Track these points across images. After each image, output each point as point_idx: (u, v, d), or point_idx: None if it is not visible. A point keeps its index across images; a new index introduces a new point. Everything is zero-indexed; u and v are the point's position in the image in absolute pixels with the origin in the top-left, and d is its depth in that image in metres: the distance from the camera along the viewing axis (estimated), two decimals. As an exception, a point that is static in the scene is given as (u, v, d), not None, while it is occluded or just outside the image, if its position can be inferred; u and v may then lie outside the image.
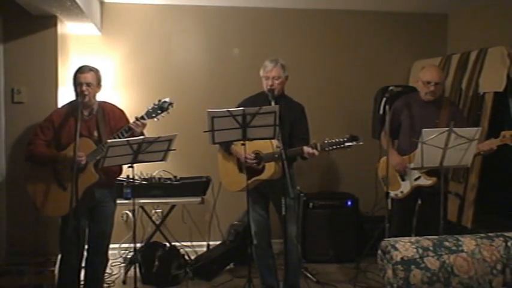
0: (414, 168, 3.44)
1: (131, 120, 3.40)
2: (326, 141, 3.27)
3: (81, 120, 3.23)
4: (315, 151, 3.28)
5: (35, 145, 3.27)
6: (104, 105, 3.45)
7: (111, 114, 3.45)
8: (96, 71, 3.35)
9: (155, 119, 3.35)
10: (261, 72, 3.53)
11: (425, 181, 3.50)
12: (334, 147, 3.25)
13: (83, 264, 3.44)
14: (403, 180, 3.62)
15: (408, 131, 3.59)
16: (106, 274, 4.10)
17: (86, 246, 3.44)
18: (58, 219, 3.39)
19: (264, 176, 3.43)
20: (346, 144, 3.23)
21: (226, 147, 3.56)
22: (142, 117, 3.32)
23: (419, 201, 3.69)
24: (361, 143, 3.24)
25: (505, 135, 3.28)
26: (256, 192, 3.54)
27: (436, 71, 3.60)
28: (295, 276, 3.62)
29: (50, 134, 3.29)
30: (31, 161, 3.31)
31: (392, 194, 3.56)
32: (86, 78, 3.28)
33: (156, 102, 3.35)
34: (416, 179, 3.54)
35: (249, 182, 3.42)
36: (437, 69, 3.67)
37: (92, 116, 3.34)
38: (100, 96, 3.65)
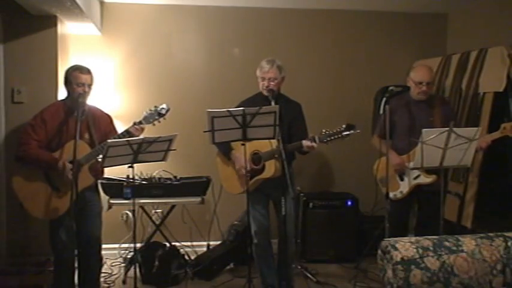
0: (414, 168, 3.44)
1: (116, 125, 3.41)
2: (323, 133, 3.27)
3: (72, 121, 3.23)
4: (314, 144, 3.29)
5: (29, 146, 3.20)
6: (92, 108, 3.43)
7: (101, 118, 3.45)
8: (92, 73, 3.35)
9: (151, 124, 3.36)
10: (258, 73, 3.54)
11: (425, 179, 3.50)
12: (332, 137, 3.25)
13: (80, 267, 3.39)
14: (401, 180, 3.62)
15: (404, 131, 3.58)
16: (106, 274, 4.12)
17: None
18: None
19: (265, 175, 3.45)
20: (344, 133, 3.22)
21: (225, 152, 3.57)
22: (140, 122, 3.32)
23: (417, 201, 3.70)
24: (358, 131, 3.24)
25: (506, 127, 3.30)
26: (258, 192, 3.54)
27: (427, 71, 3.61)
28: (291, 274, 3.68)
29: (42, 134, 3.23)
30: (24, 162, 3.22)
31: (391, 194, 3.56)
32: (87, 80, 3.28)
33: (153, 108, 3.35)
34: (415, 178, 3.54)
35: (251, 182, 3.43)
36: (427, 68, 3.66)
37: (83, 118, 3.30)
38: (100, 96, 3.65)
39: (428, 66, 3.71)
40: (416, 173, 3.53)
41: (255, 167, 3.47)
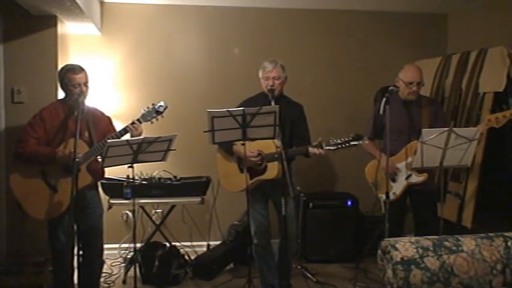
0: (414, 168, 3.44)
1: (116, 125, 3.41)
2: (331, 141, 3.28)
3: (72, 120, 3.22)
4: (321, 151, 3.29)
5: (28, 143, 3.19)
6: (92, 109, 3.43)
7: (101, 118, 3.46)
8: (85, 70, 3.33)
9: (150, 122, 3.36)
10: (260, 73, 3.55)
11: (417, 178, 3.49)
12: (340, 146, 3.25)
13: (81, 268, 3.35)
14: (393, 181, 3.60)
15: (394, 132, 3.53)
16: (106, 274, 4.12)
17: (77, 250, 3.31)
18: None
19: (267, 176, 3.44)
20: (352, 143, 3.23)
21: (227, 149, 3.56)
22: (138, 121, 3.32)
23: (409, 200, 3.69)
24: (366, 142, 3.29)
25: (490, 119, 3.32)
26: (257, 191, 3.55)
27: (417, 71, 3.59)
28: (290, 273, 3.69)
29: (41, 132, 3.23)
30: (22, 159, 3.21)
31: (384, 197, 3.53)
32: (82, 78, 3.27)
33: (150, 106, 3.35)
34: (407, 178, 3.53)
35: (251, 181, 3.45)
36: (417, 68, 3.64)
37: (82, 116, 3.29)
38: (100, 96, 3.63)
39: (417, 66, 3.70)
40: (407, 172, 3.53)
41: (258, 167, 3.46)
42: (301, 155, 3.45)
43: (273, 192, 3.50)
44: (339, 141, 3.26)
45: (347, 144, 3.24)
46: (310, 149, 3.30)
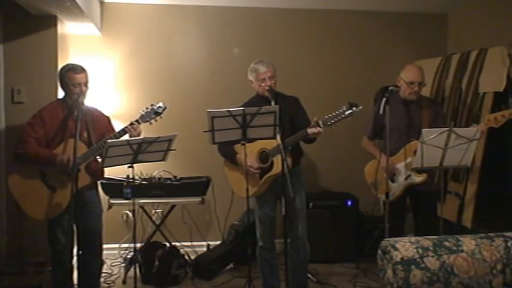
0: (414, 169, 3.44)
1: (116, 125, 3.41)
2: (327, 117, 3.23)
3: (71, 120, 3.23)
4: (319, 129, 3.23)
5: (28, 143, 3.19)
6: (91, 109, 3.43)
7: (100, 118, 3.45)
8: (86, 70, 3.33)
9: (148, 123, 3.35)
10: (253, 77, 3.49)
11: (416, 178, 3.48)
12: (336, 119, 3.20)
13: (80, 269, 3.37)
14: (392, 181, 3.59)
15: (394, 132, 3.51)
16: (106, 274, 4.12)
17: (76, 250, 3.34)
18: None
19: (275, 171, 3.41)
20: (346, 113, 3.16)
21: (231, 159, 3.55)
22: (137, 121, 3.31)
23: (409, 200, 3.69)
24: (360, 107, 3.18)
25: (489, 119, 3.31)
26: (269, 193, 3.52)
27: (418, 71, 3.58)
28: (304, 275, 3.65)
29: (41, 132, 3.23)
30: (22, 160, 3.21)
31: (383, 197, 3.53)
32: (83, 79, 3.27)
33: (149, 107, 3.35)
34: (406, 178, 3.53)
35: (261, 182, 3.44)
36: (419, 68, 3.63)
37: (81, 116, 3.29)
38: (100, 96, 3.62)
39: (419, 66, 3.70)
40: (407, 172, 3.52)
41: (263, 165, 3.45)
42: (302, 140, 3.41)
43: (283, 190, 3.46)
44: (333, 114, 3.21)
45: (342, 116, 3.17)
46: (309, 130, 3.24)
